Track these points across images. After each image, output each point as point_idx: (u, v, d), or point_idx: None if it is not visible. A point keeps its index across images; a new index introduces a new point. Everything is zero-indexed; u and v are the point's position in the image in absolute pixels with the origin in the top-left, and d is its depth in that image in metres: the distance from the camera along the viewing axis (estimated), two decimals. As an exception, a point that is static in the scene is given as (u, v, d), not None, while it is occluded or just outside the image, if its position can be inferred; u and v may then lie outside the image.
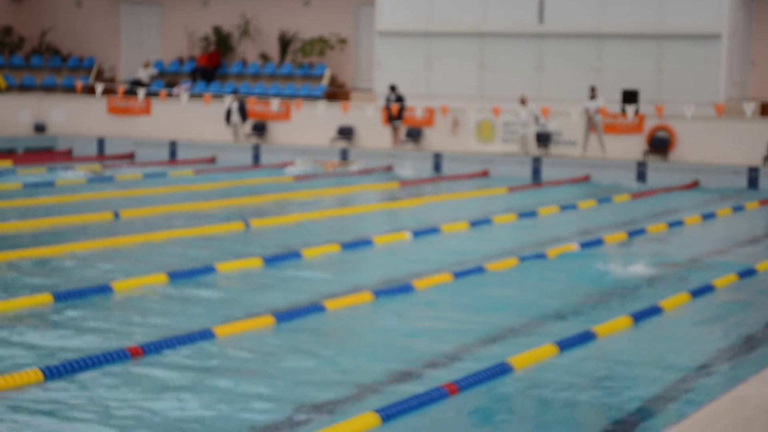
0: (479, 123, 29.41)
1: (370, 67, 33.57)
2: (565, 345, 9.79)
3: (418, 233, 16.68)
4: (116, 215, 17.77)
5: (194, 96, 32.68)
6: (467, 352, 9.79)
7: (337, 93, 33.97)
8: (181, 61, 36.18)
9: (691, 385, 8.91)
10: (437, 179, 26.82)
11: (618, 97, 29.12)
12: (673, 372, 9.25)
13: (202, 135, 31.50)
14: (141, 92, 31.58)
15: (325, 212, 19.30)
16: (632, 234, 17.29)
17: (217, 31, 35.92)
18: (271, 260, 13.93)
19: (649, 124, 28.07)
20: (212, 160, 30.14)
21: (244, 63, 35.47)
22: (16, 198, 19.89)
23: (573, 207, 21.10)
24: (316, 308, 11.17)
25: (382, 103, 30.59)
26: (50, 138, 32.42)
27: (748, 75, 30.73)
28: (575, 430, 7.77)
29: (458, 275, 13.20)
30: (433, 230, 17.19)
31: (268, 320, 10.57)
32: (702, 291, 12.61)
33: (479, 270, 13.63)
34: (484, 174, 27.91)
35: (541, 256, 14.80)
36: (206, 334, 9.87)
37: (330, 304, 11.31)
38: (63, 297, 11.26)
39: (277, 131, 31.43)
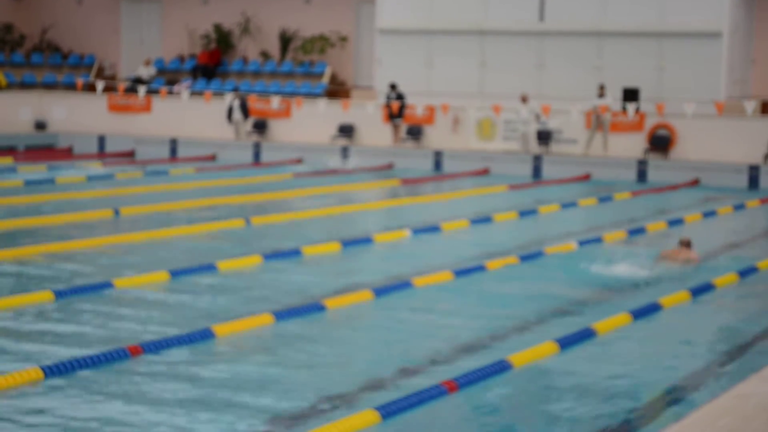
0: (480, 121, 29.40)
1: (371, 64, 33.56)
2: (565, 343, 9.80)
3: (418, 231, 16.68)
4: (117, 213, 17.77)
5: (195, 94, 32.67)
6: (467, 349, 9.79)
7: (337, 91, 33.97)
8: (181, 59, 36.17)
9: (691, 383, 8.92)
10: (438, 177, 26.82)
11: (619, 95, 29.10)
12: (673, 370, 9.25)
13: (202, 133, 31.50)
14: (142, 90, 31.58)
15: (326, 210, 19.30)
16: (632, 232, 17.29)
17: (218, 28, 35.91)
18: (271, 258, 13.94)
19: (650, 122, 28.07)
20: (213, 158, 30.15)
21: (244, 61, 35.46)
22: (16, 195, 19.90)
23: (573, 205, 21.10)
24: (316, 306, 11.17)
25: (382, 101, 30.58)
26: (51, 135, 32.42)
27: (748, 73, 30.71)
28: (575, 427, 7.77)
29: (458, 273, 13.20)
30: (434, 228, 17.19)
31: (268, 318, 10.57)
32: (702, 289, 12.61)
33: (479, 268, 13.63)
34: (485, 172, 27.90)
35: (542, 254, 14.80)
36: (206, 333, 9.87)
37: (330, 302, 11.31)
38: (64, 294, 11.27)
39: (278, 129, 31.43)
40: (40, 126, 32.81)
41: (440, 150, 28.93)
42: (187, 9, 36.64)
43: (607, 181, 26.57)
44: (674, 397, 8.53)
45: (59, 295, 11.22)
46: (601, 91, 28.07)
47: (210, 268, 13.08)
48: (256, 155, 30.15)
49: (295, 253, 14.43)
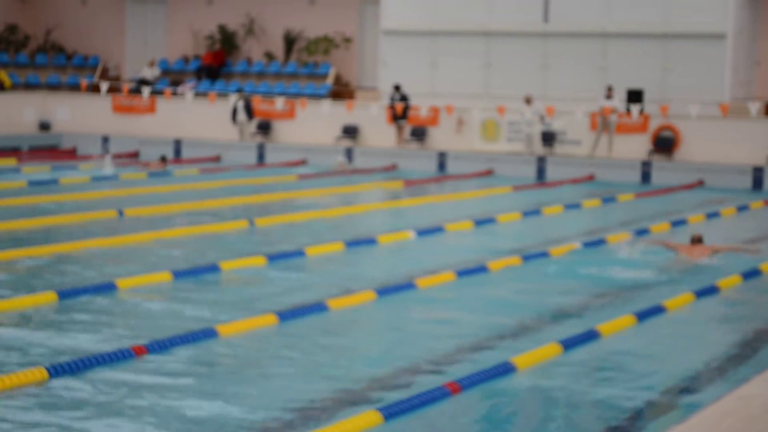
0: (484, 122, 29.40)
1: (375, 66, 33.57)
2: (569, 344, 9.79)
3: (422, 232, 16.68)
4: (120, 213, 17.78)
5: (199, 95, 32.68)
6: (470, 351, 9.79)
7: (341, 92, 33.98)
8: (186, 60, 36.19)
9: (695, 384, 8.91)
10: (442, 178, 26.82)
11: (623, 96, 29.08)
12: (677, 371, 9.25)
13: (206, 134, 31.52)
14: (146, 91, 31.60)
15: (330, 211, 19.30)
16: (636, 233, 17.27)
17: (222, 29, 35.92)
18: (275, 259, 13.94)
19: (654, 124, 28.05)
20: (217, 159, 30.16)
21: (248, 62, 35.47)
22: (20, 196, 19.91)
23: (577, 206, 21.09)
24: (319, 307, 11.17)
25: (386, 102, 30.59)
26: (55, 136, 32.45)
27: (753, 74, 30.69)
28: (579, 429, 7.77)
29: (462, 274, 13.20)
30: (437, 229, 17.19)
31: (272, 319, 10.58)
32: (706, 291, 12.60)
33: (483, 269, 13.63)
34: (489, 173, 27.89)
35: (545, 256, 14.79)
36: (210, 333, 9.88)
37: (333, 303, 11.32)
38: (67, 295, 11.28)
39: (282, 130, 31.44)
40: (44, 127, 32.84)
41: (444, 151, 28.92)
42: (192, 10, 36.67)
43: (611, 182, 26.56)
44: (678, 399, 8.52)
45: (63, 295, 11.23)
46: (609, 93, 28.05)
47: (213, 268, 13.09)
48: (261, 156, 30.16)
49: (298, 254, 14.43)
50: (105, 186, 22.30)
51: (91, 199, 19.91)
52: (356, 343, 10.24)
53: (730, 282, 13.22)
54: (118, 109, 32.82)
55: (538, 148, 28.62)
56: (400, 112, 29.78)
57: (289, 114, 31.29)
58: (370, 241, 15.86)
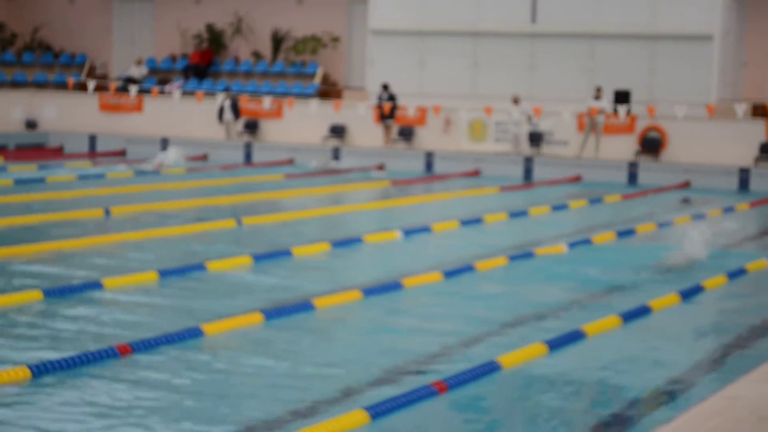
0: (471, 122, 29.41)
1: (363, 65, 33.55)
2: (554, 344, 9.79)
3: (408, 232, 16.67)
4: (107, 212, 17.73)
5: (186, 93, 32.63)
6: (457, 350, 9.79)
7: (329, 91, 33.96)
8: (173, 59, 36.12)
9: (680, 385, 8.92)
10: (429, 178, 26.82)
11: (610, 97, 29.13)
12: (662, 372, 9.25)
13: (194, 132, 31.47)
14: (133, 89, 31.53)
15: (317, 211, 19.29)
16: (622, 234, 17.30)
17: (210, 28, 35.87)
18: (261, 258, 13.92)
19: (641, 125, 28.10)
20: (204, 158, 30.10)
21: (236, 61, 35.43)
22: (6, 195, 19.84)
23: (564, 207, 21.10)
24: (305, 306, 11.15)
25: (374, 101, 30.58)
26: (41, 134, 32.36)
27: (740, 76, 30.76)
28: (564, 429, 7.77)
29: (448, 274, 13.20)
30: (424, 229, 17.18)
31: (258, 318, 10.56)
32: (691, 291, 12.62)
33: (469, 269, 13.63)
34: (476, 173, 27.90)
35: (532, 256, 14.80)
36: (196, 332, 9.85)
37: (319, 302, 11.30)
38: (53, 294, 11.24)
39: (270, 129, 31.41)
40: (31, 125, 32.75)
41: (431, 151, 28.93)
42: (180, 9, 36.59)
43: (598, 183, 26.59)
44: (664, 399, 8.53)
45: (48, 294, 11.18)
46: (598, 93, 28.09)
47: (200, 268, 13.06)
48: (248, 155, 30.12)
49: (285, 253, 14.41)
50: (91, 185, 22.24)
51: (77, 197, 19.85)
52: (342, 342, 10.23)
53: (715, 282, 13.25)
54: (105, 107, 32.74)
55: (526, 148, 28.64)
56: (387, 111, 29.78)
57: (277, 113, 31.26)
58: (357, 241, 15.85)
